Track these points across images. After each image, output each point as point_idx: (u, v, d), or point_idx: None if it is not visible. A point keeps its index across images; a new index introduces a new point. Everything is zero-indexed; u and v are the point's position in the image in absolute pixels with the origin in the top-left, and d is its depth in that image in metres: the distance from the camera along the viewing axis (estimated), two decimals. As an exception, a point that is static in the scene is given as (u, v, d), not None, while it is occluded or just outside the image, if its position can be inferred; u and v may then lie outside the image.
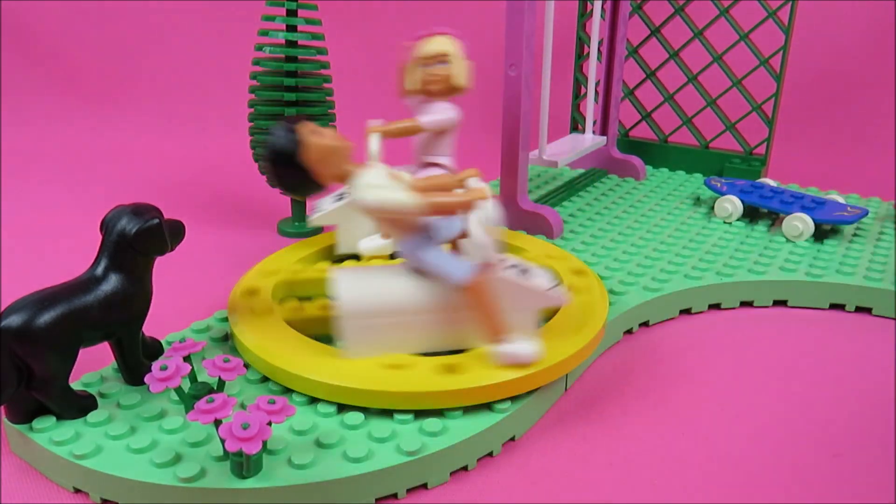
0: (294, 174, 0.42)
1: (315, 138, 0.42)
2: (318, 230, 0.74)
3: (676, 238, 0.70)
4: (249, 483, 0.37)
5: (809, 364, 0.54)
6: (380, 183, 0.43)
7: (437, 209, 0.44)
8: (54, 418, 0.41)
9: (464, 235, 0.48)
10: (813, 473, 0.43)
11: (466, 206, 0.44)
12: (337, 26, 1.02)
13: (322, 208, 0.61)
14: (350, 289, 0.46)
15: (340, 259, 0.62)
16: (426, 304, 0.46)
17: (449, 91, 0.60)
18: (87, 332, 0.42)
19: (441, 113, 0.60)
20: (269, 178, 0.43)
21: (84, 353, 0.43)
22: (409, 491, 0.41)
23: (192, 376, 0.43)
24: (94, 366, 0.47)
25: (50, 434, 0.41)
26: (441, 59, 0.58)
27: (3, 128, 1.16)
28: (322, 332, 0.51)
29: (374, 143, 0.58)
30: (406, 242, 0.46)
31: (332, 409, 0.43)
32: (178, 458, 0.39)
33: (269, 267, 0.57)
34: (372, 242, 0.59)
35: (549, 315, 0.51)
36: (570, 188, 0.83)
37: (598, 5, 0.81)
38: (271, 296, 0.52)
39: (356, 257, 0.61)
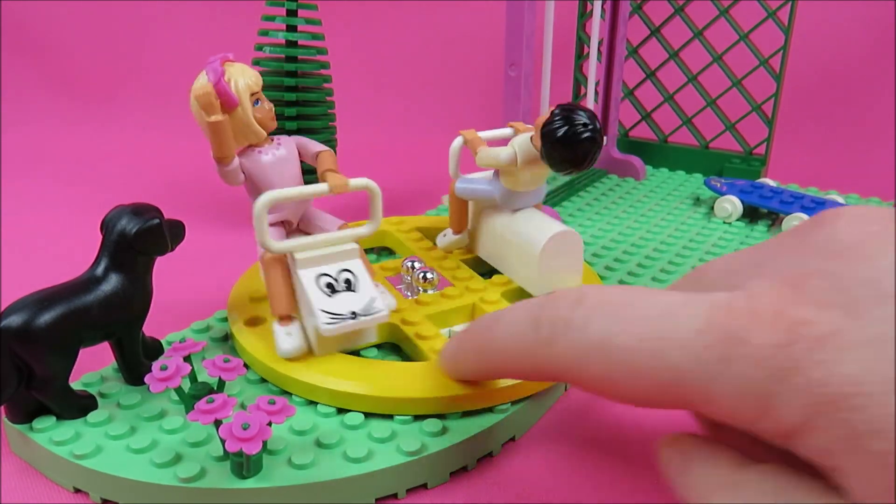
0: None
1: None
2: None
3: (676, 238, 0.70)
4: (249, 483, 0.37)
5: (809, 364, 0.54)
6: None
7: None
8: (54, 418, 0.41)
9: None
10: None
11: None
12: (337, 26, 1.02)
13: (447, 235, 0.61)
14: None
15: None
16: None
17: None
18: (87, 332, 0.42)
19: (306, 139, 0.52)
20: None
21: (84, 353, 0.43)
22: (409, 491, 0.41)
23: (193, 376, 0.43)
24: (94, 366, 0.47)
25: (50, 434, 0.41)
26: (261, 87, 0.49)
27: (3, 128, 1.16)
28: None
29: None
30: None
31: (332, 409, 0.43)
32: (178, 459, 0.39)
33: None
34: (446, 238, 0.60)
35: None
36: (570, 188, 0.83)
37: (598, 5, 0.81)
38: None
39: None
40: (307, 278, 0.45)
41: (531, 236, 0.52)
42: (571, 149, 0.46)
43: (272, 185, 0.48)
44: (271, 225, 0.49)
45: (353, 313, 0.44)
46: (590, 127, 0.46)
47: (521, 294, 0.54)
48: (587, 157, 0.46)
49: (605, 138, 0.44)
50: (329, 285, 0.45)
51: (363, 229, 0.47)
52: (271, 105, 0.49)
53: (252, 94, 0.47)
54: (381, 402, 0.42)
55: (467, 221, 0.60)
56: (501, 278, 0.55)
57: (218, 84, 0.45)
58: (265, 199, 0.44)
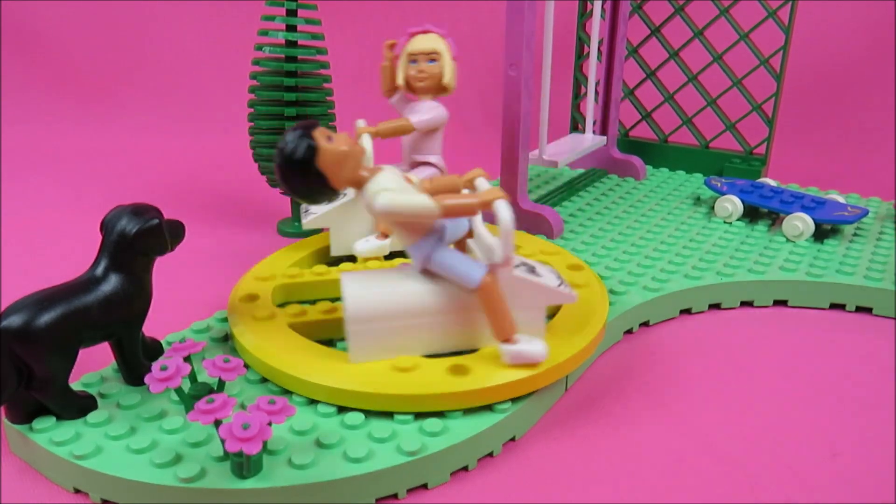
0: (308, 181, 0.41)
1: (329, 144, 0.41)
2: (317, 230, 0.74)
3: (676, 238, 0.70)
4: (249, 483, 0.37)
5: (809, 364, 0.54)
6: (395, 186, 0.42)
7: (455, 211, 0.42)
8: (54, 418, 0.41)
9: (469, 235, 0.48)
10: (813, 473, 0.43)
11: (484, 207, 0.43)
12: (337, 26, 1.02)
13: (313, 211, 0.61)
14: (357, 292, 0.45)
15: (335, 261, 0.62)
16: (434, 306, 0.45)
17: (436, 90, 0.60)
18: (87, 332, 0.42)
19: (431, 111, 0.60)
20: (282, 185, 0.42)
21: (84, 353, 0.43)
22: (409, 491, 0.41)
23: (193, 376, 0.43)
24: (94, 366, 0.47)
25: (50, 434, 0.41)
26: (432, 56, 0.58)
27: (3, 128, 1.16)
28: (326, 335, 0.51)
29: (367, 143, 0.57)
30: (417, 245, 0.45)
31: (333, 409, 0.43)
32: (178, 459, 0.39)
33: (264, 272, 0.57)
34: (368, 244, 0.58)
35: (550, 314, 0.51)
36: (570, 188, 0.83)
37: (598, 5, 0.81)
38: (271, 302, 0.52)
39: (352, 259, 0.61)
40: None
41: None
42: (285, 184, 0.42)
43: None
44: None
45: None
46: (282, 146, 0.41)
47: None
48: (283, 181, 0.42)
49: (296, 162, 0.41)
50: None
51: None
52: (426, 69, 0.59)
53: (410, 55, 0.60)
54: (381, 399, 0.42)
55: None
56: None
57: (400, 41, 0.61)
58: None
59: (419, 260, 0.45)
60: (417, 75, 0.59)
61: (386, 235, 0.58)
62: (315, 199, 0.43)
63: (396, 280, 0.47)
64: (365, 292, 0.45)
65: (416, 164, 0.62)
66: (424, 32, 0.59)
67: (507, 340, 0.44)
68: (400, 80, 0.60)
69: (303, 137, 0.41)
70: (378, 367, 0.45)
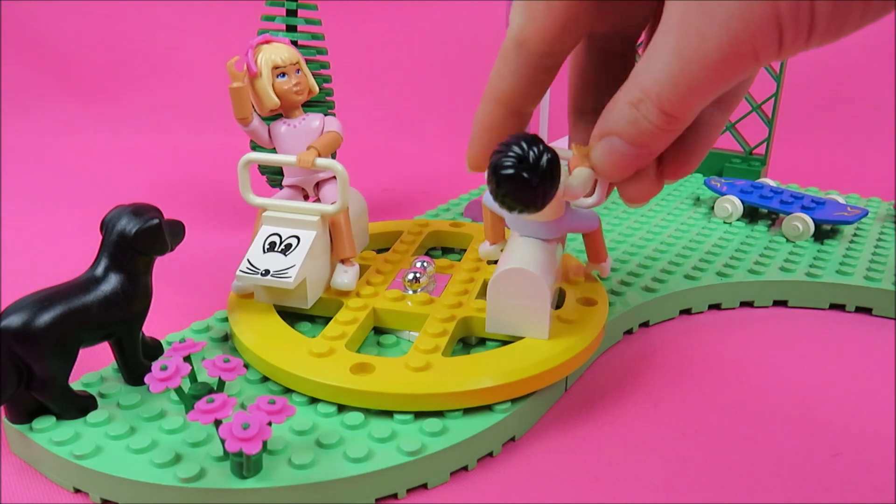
0: (555, 188, 0.36)
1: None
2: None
3: (676, 238, 0.70)
4: (249, 483, 0.37)
5: (809, 364, 0.54)
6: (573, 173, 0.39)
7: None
8: (54, 418, 0.41)
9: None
10: (813, 473, 0.43)
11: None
12: (337, 26, 1.02)
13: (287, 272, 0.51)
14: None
15: None
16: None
17: (305, 101, 0.55)
18: (87, 332, 0.42)
19: (336, 122, 0.56)
20: (513, 197, 0.36)
21: (84, 353, 0.43)
22: (409, 491, 0.41)
23: (192, 376, 0.43)
24: (94, 366, 0.47)
25: (50, 434, 0.41)
26: (297, 66, 0.54)
27: (3, 128, 1.16)
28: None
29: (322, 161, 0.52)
30: (567, 213, 0.49)
31: (333, 409, 0.43)
32: (178, 459, 0.39)
33: None
34: (488, 247, 0.58)
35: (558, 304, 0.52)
36: (570, 188, 0.83)
37: (598, 5, 0.81)
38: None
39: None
40: (262, 233, 0.51)
41: (498, 267, 0.48)
42: (493, 180, 0.35)
43: (284, 152, 0.54)
44: (287, 186, 0.56)
45: (266, 271, 0.49)
46: (520, 163, 0.35)
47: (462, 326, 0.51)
48: (504, 194, 0.35)
49: (549, 182, 0.36)
50: (272, 244, 0.50)
51: (330, 207, 0.51)
52: (301, 81, 0.53)
53: (276, 68, 0.52)
54: (380, 398, 0.42)
55: (504, 233, 0.57)
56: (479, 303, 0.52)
57: (243, 57, 0.52)
58: (244, 158, 0.51)
59: (560, 228, 0.50)
60: (295, 88, 0.53)
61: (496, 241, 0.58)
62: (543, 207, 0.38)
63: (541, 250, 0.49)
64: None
65: (320, 182, 0.56)
66: (267, 42, 0.53)
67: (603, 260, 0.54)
68: (273, 98, 0.52)
69: (543, 147, 0.36)
70: (378, 363, 0.45)
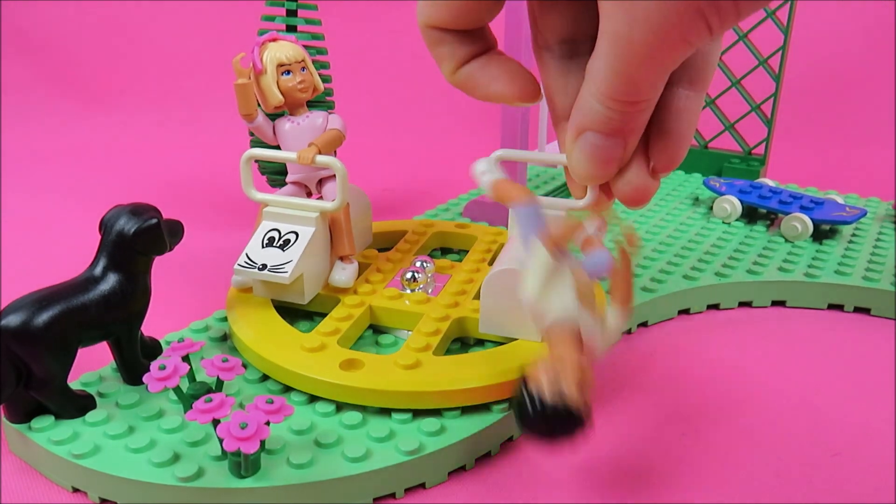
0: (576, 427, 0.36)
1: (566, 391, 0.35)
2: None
3: (675, 238, 0.70)
4: (248, 482, 0.37)
5: (808, 364, 0.54)
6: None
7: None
8: (53, 418, 0.41)
9: None
10: (813, 473, 0.43)
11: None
12: (337, 26, 1.02)
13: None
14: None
15: None
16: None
17: (310, 98, 0.55)
18: (86, 331, 0.42)
19: (339, 120, 0.55)
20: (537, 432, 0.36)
21: (83, 353, 0.43)
22: (407, 490, 0.41)
23: (191, 376, 0.43)
24: (92, 365, 0.47)
25: (49, 434, 0.41)
26: (302, 63, 0.54)
27: (3, 128, 1.16)
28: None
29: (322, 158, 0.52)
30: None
31: (331, 408, 0.43)
32: (176, 458, 0.39)
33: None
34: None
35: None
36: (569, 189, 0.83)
37: (597, 5, 0.81)
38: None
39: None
40: (262, 228, 0.51)
41: (492, 268, 0.48)
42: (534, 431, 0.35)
43: (287, 149, 0.54)
44: (290, 183, 0.56)
45: (264, 266, 0.49)
46: (536, 408, 0.35)
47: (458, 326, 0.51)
48: (544, 434, 0.35)
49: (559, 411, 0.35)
50: (271, 239, 0.50)
51: (329, 204, 0.52)
52: (306, 78, 0.54)
53: (280, 66, 0.53)
54: (369, 394, 0.42)
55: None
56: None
57: (249, 54, 0.53)
58: (246, 154, 0.52)
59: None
60: (299, 85, 0.53)
61: None
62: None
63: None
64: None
65: (322, 180, 0.56)
66: (274, 40, 0.53)
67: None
68: (277, 95, 0.53)
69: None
70: (377, 362, 0.45)
